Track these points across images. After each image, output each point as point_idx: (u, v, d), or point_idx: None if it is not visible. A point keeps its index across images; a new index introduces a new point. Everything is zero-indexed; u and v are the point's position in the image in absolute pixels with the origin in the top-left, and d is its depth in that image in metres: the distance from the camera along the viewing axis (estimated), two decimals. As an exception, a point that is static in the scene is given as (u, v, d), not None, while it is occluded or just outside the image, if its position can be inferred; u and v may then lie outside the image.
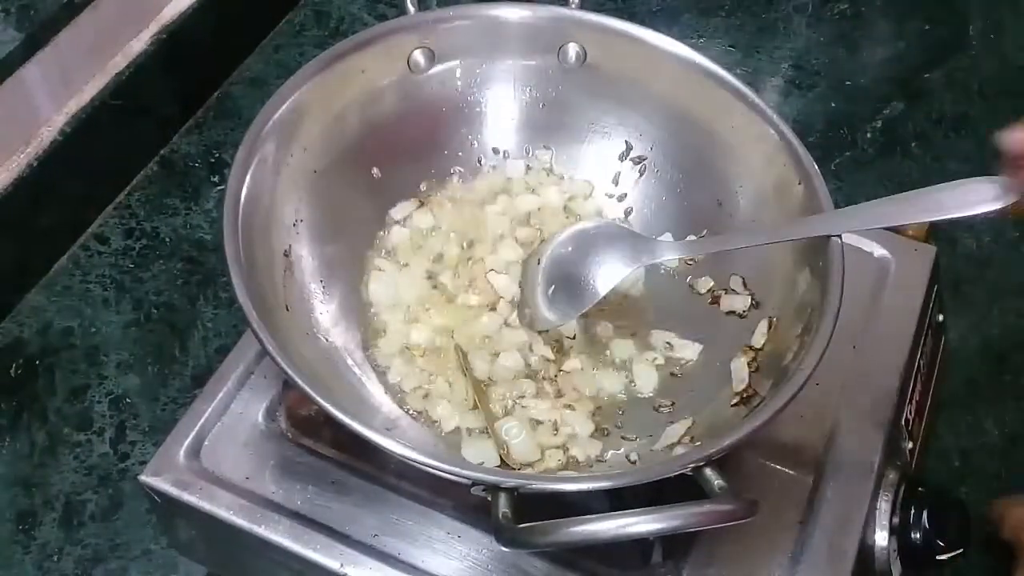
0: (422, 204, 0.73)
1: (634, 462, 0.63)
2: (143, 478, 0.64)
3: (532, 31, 0.71)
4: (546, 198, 0.74)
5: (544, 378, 0.67)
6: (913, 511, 0.66)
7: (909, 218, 0.63)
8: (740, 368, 0.65)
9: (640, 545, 0.63)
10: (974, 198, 0.59)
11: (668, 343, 0.69)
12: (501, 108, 0.74)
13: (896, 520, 0.65)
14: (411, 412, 0.66)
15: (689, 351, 0.68)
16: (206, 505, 0.63)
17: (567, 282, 0.68)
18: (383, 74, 0.70)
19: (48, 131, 0.87)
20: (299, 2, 1.09)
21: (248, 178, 0.63)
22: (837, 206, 0.64)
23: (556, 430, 0.64)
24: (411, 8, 0.71)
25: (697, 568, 0.62)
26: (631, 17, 0.71)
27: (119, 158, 0.93)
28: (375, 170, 0.72)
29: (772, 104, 0.73)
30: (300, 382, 0.56)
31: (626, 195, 0.74)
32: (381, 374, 0.67)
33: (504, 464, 0.63)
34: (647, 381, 0.67)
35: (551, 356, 0.68)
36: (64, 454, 0.79)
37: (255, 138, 0.64)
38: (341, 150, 0.70)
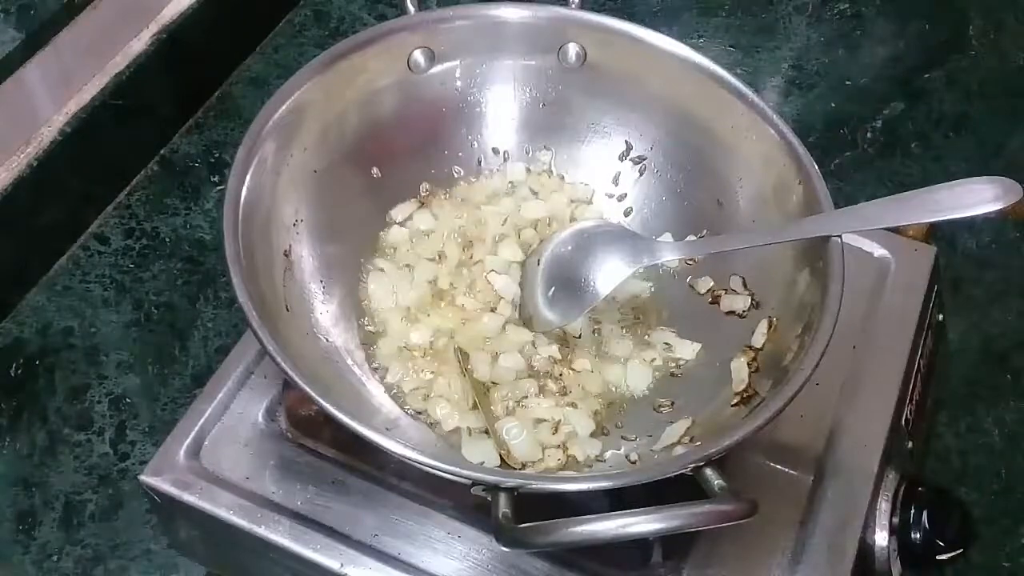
0: (422, 204, 0.73)
1: (634, 462, 0.63)
2: (143, 478, 0.64)
3: (532, 31, 0.71)
4: (552, 206, 0.74)
5: (549, 376, 0.67)
6: (913, 511, 0.66)
7: (909, 218, 0.63)
8: (740, 368, 0.65)
9: (640, 545, 0.63)
10: (974, 198, 0.59)
11: (667, 343, 0.69)
12: (501, 108, 0.74)
13: (896, 520, 0.65)
14: (411, 412, 0.65)
15: (688, 351, 0.68)
16: (206, 505, 0.63)
17: (567, 283, 0.68)
18: (383, 74, 0.70)
19: (48, 131, 0.87)
20: (299, 2, 1.09)
21: (248, 178, 0.63)
22: (837, 206, 0.64)
23: (556, 429, 0.64)
24: (411, 8, 0.71)
25: (697, 568, 0.62)
26: (631, 17, 0.71)
27: (119, 158, 0.93)
28: (375, 170, 0.72)
29: (772, 104, 0.73)
30: (300, 382, 0.56)
31: (626, 195, 0.74)
32: (381, 374, 0.67)
33: (504, 464, 0.63)
34: (640, 380, 0.67)
35: (558, 356, 0.68)
36: (64, 454, 0.79)
37: (255, 138, 0.64)
38: (341, 150, 0.70)
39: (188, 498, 0.63)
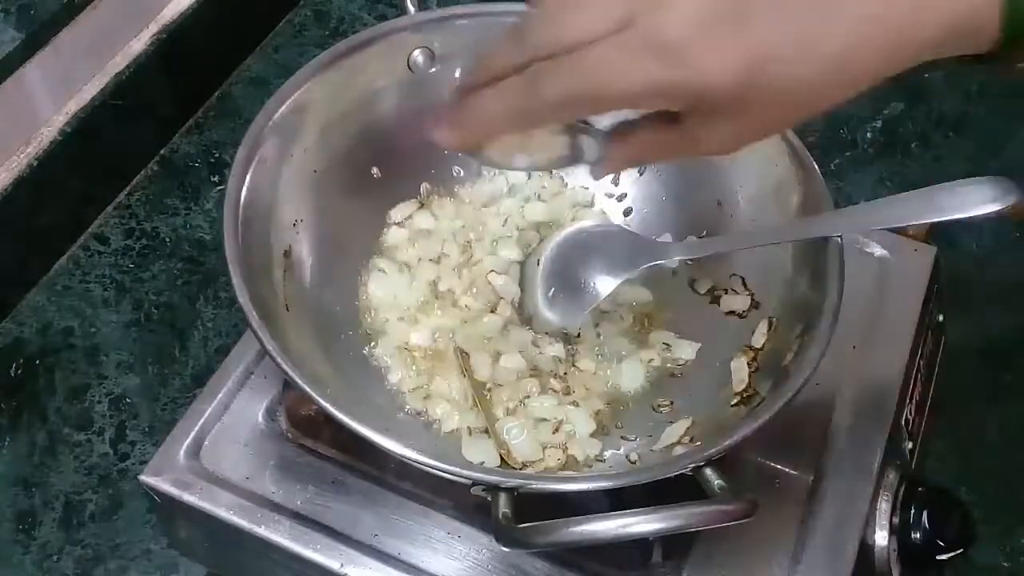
0: (422, 205, 0.73)
1: (634, 462, 0.63)
2: (143, 478, 0.64)
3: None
4: (554, 208, 0.74)
5: (552, 375, 0.67)
6: (913, 511, 0.66)
7: (909, 218, 0.62)
8: (740, 368, 0.65)
9: (640, 545, 0.63)
10: (974, 198, 0.59)
11: (665, 343, 0.69)
12: (501, 108, 0.74)
13: (896, 520, 0.65)
14: (411, 412, 0.66)
15: (687, 351, 0.68)
16: (206, 505, 0.63)
17: (567, 283, 0.67)
18: (383, 74, 0.70)
19: (48, 131, 0.87)
20: (299, 2, 1.09)
21: (248, 178, 0.63)
22: (837, 206, 0.64)
23: (558, 428, 0.64)
24: (411, 8, 0.71)
25: (697, 568, 0.62)
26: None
27: (119, 158, 0.93)
28: (375, 170, 0.72)
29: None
30: (300, 382, 0.56)
31: (626, 195, 0.74)
32: (381, 374, 0.67)
33: (504, 464, 0.63)
34: (633, 379, 0.67)
35: (562, 355, 0.68)
36: (64, 454, 0.79)
37: (255, 138, 0.64)
38: (341, 150, 0.70)
39: (188, 498, 0.63)
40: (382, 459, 0.64)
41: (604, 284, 0.66)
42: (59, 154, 0.86)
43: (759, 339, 0.66)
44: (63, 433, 0.80)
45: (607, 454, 0.64)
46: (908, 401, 0.71)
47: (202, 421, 0.66)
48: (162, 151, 0.97)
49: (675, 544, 0.63)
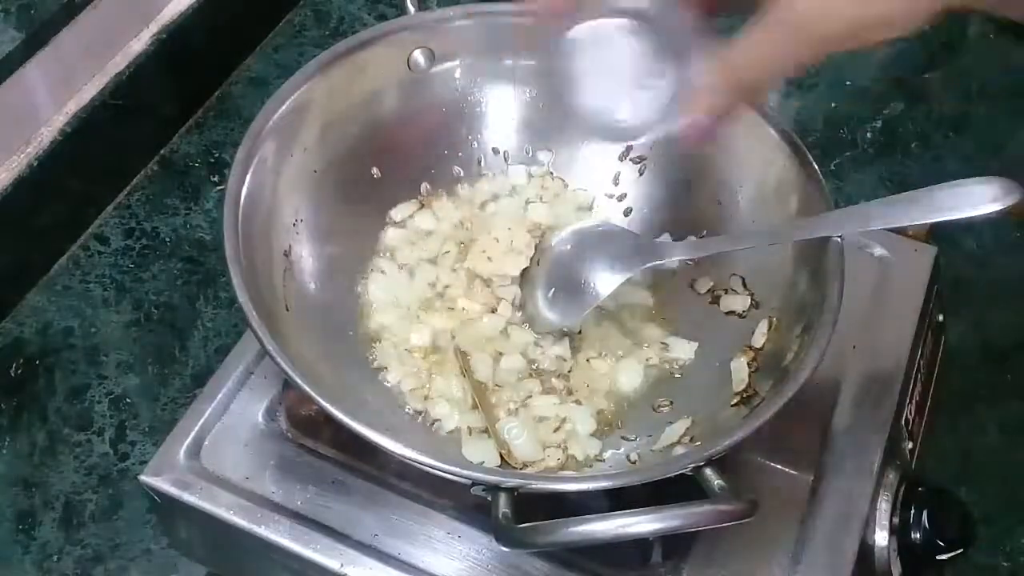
0: (422, 205, 0.73)
1: (634, 462, 0.63)
2: (143, 478, 0.64)
3: (532, 31, 0.71)
4: (556, 210, 0.74)
5: (555, 374, 0.67)
6: (913, 511, 0.66)
7: (909, 218, 0.62)
8: (740, 368, 0.65)
9: (640, 545, 0.63)
10: (974, 198, 0.58)
11: (665, 343, 0.69)
12: (501, 108, 0.74)
13: (896, 520, 0.65)
14: (411, 412, 0.66)
15: (687, 351, 0.68)
16: (206, 505, 0.63)
17: (567, 284, 0.67)
18: (383, 74, 0.70)
19: (48, 131, 0.87)
20: (299, 2, 1.09)
21: (248, 178, 0.63)
22: (837, 206, 0.64)
23: (558, 427, 0.64)
24: (411, 8, 0.71)
25: (697, 568, 0.62)
26: (631, 17, 0.71)
27: (119, 158, 0.93)
28: (375, 170, 0.72)
29: (772, 104, 0.73)
30: (300, 382, 0.56)
31: (626, 195, 0.74)
32: (381, 374, 0.67)
33: (504, 464, 0.63)
34: (630, 379, 0.67)
35: (567, 355, 0.68)
36: (64, 454, 0.79)
37: (255, 138, 0.64)
38: (341, 150, 0.70)
39: (188, 498, 0.63)
40: (382, 459, 0.64)
41: (604, 284, 0.66)
42: (59, 154, 0.86)
43: (759, 339, 0.65)
44: (63, 433, 0.80)
45: (607, 454, 0.64)
46: (908, 401, 0.71)
47: (202, 421, 0.66)
48: (162, 151, 0.97)
49: (675, 544, 0.63)
